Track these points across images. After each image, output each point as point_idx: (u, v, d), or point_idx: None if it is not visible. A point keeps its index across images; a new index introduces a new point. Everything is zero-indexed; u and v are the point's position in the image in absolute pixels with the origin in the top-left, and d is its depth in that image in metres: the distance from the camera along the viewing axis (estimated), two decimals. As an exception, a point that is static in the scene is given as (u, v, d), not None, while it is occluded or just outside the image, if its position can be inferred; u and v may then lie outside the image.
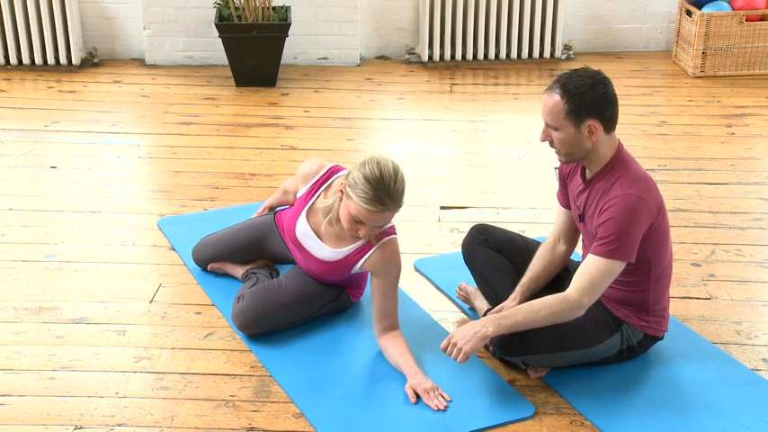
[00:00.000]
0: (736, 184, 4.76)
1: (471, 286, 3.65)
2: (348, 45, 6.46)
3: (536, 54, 6.60)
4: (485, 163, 5.06)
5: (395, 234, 3.31)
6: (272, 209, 3.83)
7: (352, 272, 3.37)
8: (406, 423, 3.03)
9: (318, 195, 3.40)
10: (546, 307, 3.06)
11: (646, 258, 3.12)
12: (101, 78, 6.18)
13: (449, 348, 3.07)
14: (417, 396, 3.11)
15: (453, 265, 3.81)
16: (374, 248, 3.27)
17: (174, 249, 4.06)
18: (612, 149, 3.11)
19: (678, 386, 3.21)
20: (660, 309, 3.25)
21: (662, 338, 3.32)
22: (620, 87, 6.11)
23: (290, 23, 6.01)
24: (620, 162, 3.11)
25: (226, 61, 6.10)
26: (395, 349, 3.23)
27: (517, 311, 3.08)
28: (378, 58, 6.66)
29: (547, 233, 3.58)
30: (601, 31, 6.77)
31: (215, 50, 6.32)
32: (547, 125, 3.09)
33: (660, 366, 3.31)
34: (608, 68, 6.37)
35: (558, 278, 3.42)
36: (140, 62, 6.44)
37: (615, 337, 3.21)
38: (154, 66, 6.39)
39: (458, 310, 3.69)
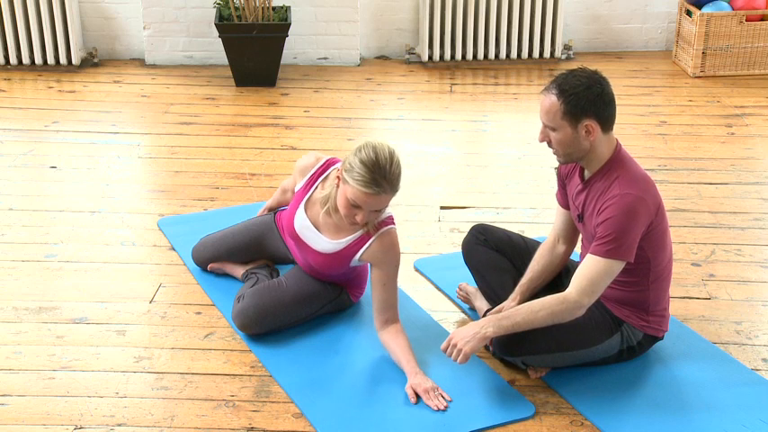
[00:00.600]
0: (736, 184, 4.76)
1: (471, 286, 3.65)
2: (348, 45, 6.46)
3: (536, 54, 6.60)
4: (485, 163, 5.06)
5: (393, 224, 3.31)
6: (272, 210, 3.83)
7: (352, 264, 3.36)
8: (406, 423, 3.03)
9: (316, 187, 3.40)
10: (545, 307, 3.06)
11: (645, 258, 3.12)
12: (101, 78, 6.18)
13: (449, 349, 3.08)
14: (417, 396, 3.11)
15: (453, 265, 3.81)
16: (373, 238, 3.27)
17: (174, 249, 4.06)
18: (611, 149, 3.12)
19: (678, 386, 3.21)
20: (660, 309, 3.25)
21: (662, 338, 3.33)
22: (620, 87, 6.12)
23: (290, 23, 6.01)
24: (618, 162, 3.11)
25: (226, 61, 6.10)
26: (396, 345, 3.23)
27: (517, 312, 3.08)
28: (378, 58, 6.66)
29: (547, 233, 3.58)
30: (601, 31, 6.77)
31: (215, 50, 6.32)
32: (544, 126, 3.09)
33: (660, 366, 3.31)
34: (608, 68, 6.43)
35: (558, 278, 3.42)
36: (140, 62, 6.44)
37: (615, 338, 3.21)
38: (154, 66, 6.39)
39: (458, 310, 3.69)
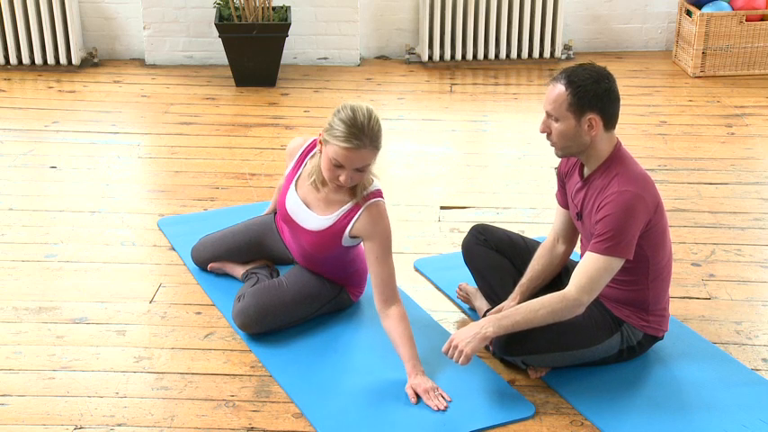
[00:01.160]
0: (736, 184, 4.76)
1: (471, 286, 3.65)
2: (348, 45, 6.46)
3: (536, 54, 6.60)
4: (485, 163, 5.06)
5: (382, 198, 3.31)
6: (274, 211, 3.83)
7: (344, 243, 3.35)
8: (406, 423, 3.03)
9: (305, 165, 3.41)
10: (545, 306, 3.06)
11: (644, 257, 3.12)
12: (101, 78, 6.18)
13: (450, 351, 3.08)
14: (417, 396, 3.11)
15: (453, 265, 3.81)
16: (361, 210, 3.28)
17: (174, 249, 4.06)
18: (611, 147, 3.12)
19: (678, 386, 3.21)
20: (660, 308, 3.25)
21: (662, 338, 3.33)
22: (620, 87, 6.00)
23: (290, 23, 6.02)
24: (617, 160, 3.11)
25: (226, 61, 6.10)
26: (397, 336, 3.19)
27: (516, 311, 3.08)
28: (378, 58, 6.66)
29: (547, 233, 3.58)
30: (601, 31, 6.77)
31: (215, 50, 6.32)
32: (548, 115, 3.08)
33: (660, 366, 3.31)
34: (608, 68, 6.41)
35: (558, 278, 3.42)
36: (140, 62, 6.44)
37: (615, 337, 3.21)
38: (154, 66, 6.39)
39: (458, 310, 3.69)
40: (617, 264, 3.05)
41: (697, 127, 5.51)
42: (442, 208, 4.50)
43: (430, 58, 6.55)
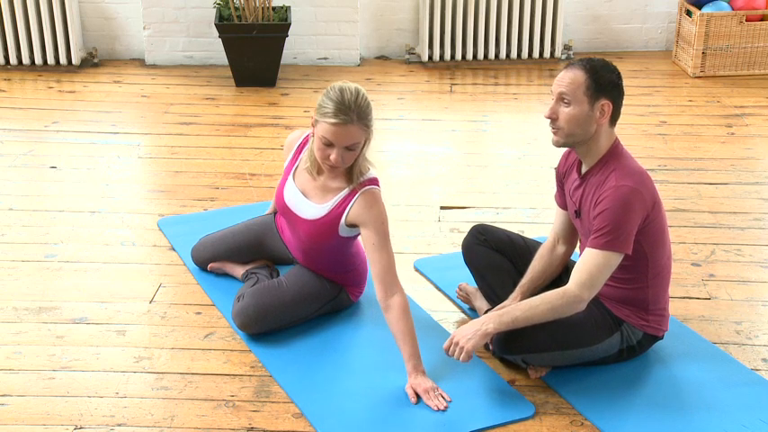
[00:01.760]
0: (736, 184, 4.76)
1: (471, 286, 3.65)
2: (348, 45, 6.46)
3: (536, 54, 6.60)
4: (485, 163, 5.06)
5: (377, 186, 3.33)
6: (274, 212, 3.83)
7: (341, 232, 3.34)
8: (406, 423, 3.03)
9: (302, 156, 3.43)
10: (545, 302, 3.06)
11: (643, 254, 3.13)
12: (101, 78, 6.18)
13: (451, 348, 3.08)
14: (417, 396, 3.11)
15: (453, 265, 3.81)
16: (356, 196, 3.29)
17: (174, 249, 4.06)
18: (609, 143, 3.14)
19: (678, 386, 3.21)
20: (660, 308, 3.25)
21: (662, 338, 3.33)
22: (620, 87, 6.12)
23: (290, 23, 6.02)
24: (615, 156, 3.13)
25: (226, 61, 6.10)
26: (398, 331, 3.17)
27: (516, 308, 3.09)
28: (378, 58, 6.66)
29: (547, 233, 3.58)
30: (601, 31, 6.78)
31: (215, 50, 6.32)
32: (559, 98, 3.08)
33: (660, 366, 3.31)
34: (608, 68, 6.42)
35: (558, 277, 3.42)
36: (140, 62, 6.44)
37: (615, 337, 3.22)
38: (154, 66, 6.39)
39: (458, 310, 3.69)
40: (616, 259, 3.05)
41: (697, 127, 5.51)
42: (442, 208, 4.50)
43: (430, 58, 6.56)
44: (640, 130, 5.46)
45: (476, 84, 6.27)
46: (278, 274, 3.70)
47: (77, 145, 5.18)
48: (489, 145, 5.32)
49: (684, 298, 3.76)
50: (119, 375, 3.25)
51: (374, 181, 3.33)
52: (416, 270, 3.95)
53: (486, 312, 3.39)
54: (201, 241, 3.86)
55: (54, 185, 4.69)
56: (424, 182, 4.79)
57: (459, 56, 6.56)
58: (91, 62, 6.39)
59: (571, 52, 6.67)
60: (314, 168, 3.34)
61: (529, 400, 3.14)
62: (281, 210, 3.49)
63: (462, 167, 5.01)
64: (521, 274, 3.43)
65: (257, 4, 5.94)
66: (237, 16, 5.97)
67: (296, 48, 6.40)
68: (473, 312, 3.62)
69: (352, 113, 3.14)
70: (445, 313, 3.66)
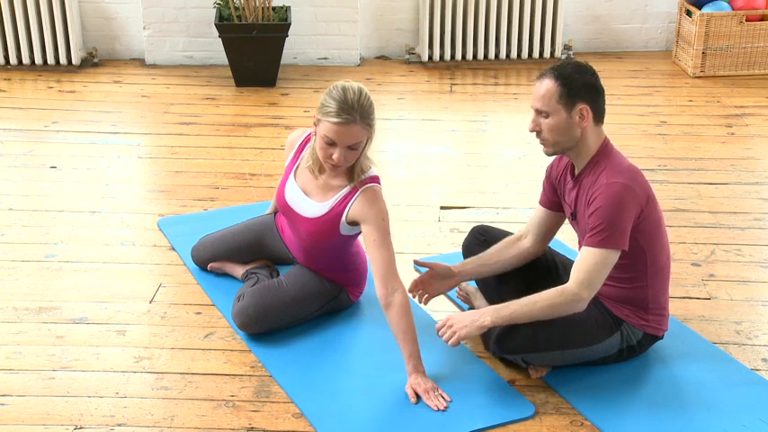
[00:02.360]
0: (736, 184, 4.76)
1: (471, 286, 3.65)
2: (348, 45, 6.46)
3: (536, 54, 6.60)
4: (485, 163, 5.06)
5: (378, 183, 3.33)
6: (274, 211, 3.83)
7: (342, 231, 3.35)
8: (406, 423, 3.03)
9: (303, 155, 3.44)
10: (544, 299, 3.07)
11: (640, 250, 3.13)
12: (101, 78, 6.18)
13: (443, 329, 3.09)
14: (417, 396, 3.11)
15: (453, 266, 3.81)
16: (357, 194, 3.29)
17: (174, 249, 4.06)
18: (599, 143, 3.15)
19: (678, 386, 3.21)
20: (659, 307, 3.25)
21: (662, 338, 3.33)
22: (620, 87, 6.12)
23: (290, 23, 6.02)
24: (605, 155, 3.14)
25: (226, 61, 6.10)
26: (399, 331, 3.17)
27: (515, 303, 3.10)
28: (378, 58, 6.66)
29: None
30: (601, 31, 6.78)
31: (215, 50, 6.32)
32: (537, 113, 3.11)
33: (660, 366, 3.31)
34: (608, 68, 6.43)
35: (557, 276, 3.41)
36: (140, 62, 6.44)
37: (615, 337, 3.22)
38: (154, 66, 6.39)
39: (458, 310, 3.68)
40: (613, 256, 3.05)
41: (697, 127, 5.51)
42: (442, 208, 4.50)
43: (430, 58, 6.56)
44: (640, 130, 5.46)
45: (476, 84, 6.27)
46: (278, 274, 3.70)
47: (77, 145, 5.18)
48: (489, 145, 5.32)
49: (684, 298, 3.76)
50: (119, 375, 3.25)
51: (375, 179, 3.33)
52: (417, 270, 3.95)
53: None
54: (201, 241, 3.86)
55: (54, 185, 4.69)
56: (423, 182, 4.79)
57: (459, 56, 6.56)
58: (91, 62, 6.39)
59: (571, 52, 6.66)
60: (315, 167, 3.34)
61: (529, 400, 3.14)
62: (283, 208, 3.49)
63: (462, 167, 5.01)
64: (520, 274, 3.43)
65: (257, 4, 5.94)
66: (237, 16, 5.97)
67: (296, 48, 6.40)
68: (473, 312, 3.62)
69: (355, 113, 3.15)
70: (445, 313, 3.64)
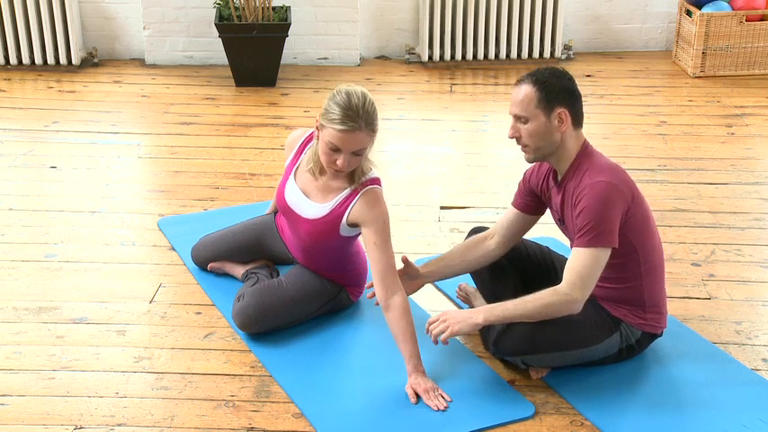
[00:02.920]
0: (736, 184, 4.76)
1: (471, 286, 3.65)
2: (348, 45, 6.46)
3: (536, 54, 6.60)
4: (485, 163, 5.06)
5: (379, 185, 3.33)
6: (274, 211, 3.83)
7: (342, 232, 3.34)
8: (406, 423, 3.03)
9: (304, 155, 3.44)
10: (537, 299, 3.08)
11: (631, 248, 3.13)
12: (101, 78, 6.18)
13: (436, 323, 3.10)
14: (417, 396, 3.11)
15: (453, 265, 3.81)
16: (358, 196, 3.29)
17: (174, 249, 4.06)
18: (579, 146, 3.15)
19: (678, 386, 3.21)
20: (656, 305, 3.25)
21: (661, 335, 3.33)
22: (620, 87, 6.13)
23: (290, 23, 6.02)
24: (585, 156, 3.15)
25: (226, 61, 6.10)
26: (399, 331, 3.17)
27: (509, 302, 3.11)
28: (378, 58, 6.66)
29: (545, 234, 3.58)
30: (601, 31, 6.78)
31: (215, 50, 6.32)
32: (516, 119, 3.13)
33: (660, 366, 3.31)
34: (608, 68, 6.44)
35: (549, 277, 3.41)
36: (140, 62, 6.44)
37: (614, 337, 3.22)
38: (154, 66, 6.39)
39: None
40: (604, 255, 3.05)
41: (697, 127, 5.51)
42: (442, 208, 4.50)
43: (430, 58, 6.56)
44: (640, 130, 5.46)
45: (476, 84, 6.27)
46: (278, 274, 3.71)
47: (77, 145, 5.18)
48: (489, 145, 5.32)
49: (684, 298, 3.76)
50: (119, 375, 3.25)
51: (376, 181, 3.33)
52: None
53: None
54: (201, 241, 3.86)
55: (54, 185, 4.69)
56: (423, 182, 4.79)
57: (459, 56, 6.56)
58: (91, 62, 6.39)
59: (571, 52, 6.67)
60: (316, 169, 3.34)
61: (529, 400, 3.14)
62: (282, 209, 3.49)
63: (462, 167, 5.01)
64: (520, 274, 3.43)
65: (257, 4, 5.94)
66: (237, 16, 5.97)
67: (296, 48, 6.40)
68: (473, 312, 3.62)
69: (360, 120, 3.14)
70: (445, 313, 3.66)
